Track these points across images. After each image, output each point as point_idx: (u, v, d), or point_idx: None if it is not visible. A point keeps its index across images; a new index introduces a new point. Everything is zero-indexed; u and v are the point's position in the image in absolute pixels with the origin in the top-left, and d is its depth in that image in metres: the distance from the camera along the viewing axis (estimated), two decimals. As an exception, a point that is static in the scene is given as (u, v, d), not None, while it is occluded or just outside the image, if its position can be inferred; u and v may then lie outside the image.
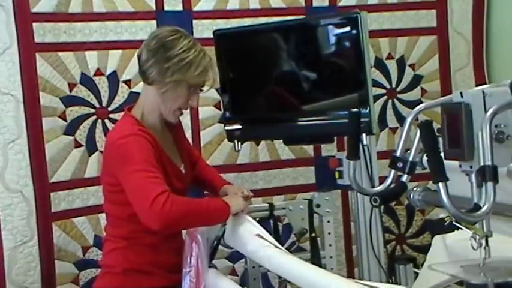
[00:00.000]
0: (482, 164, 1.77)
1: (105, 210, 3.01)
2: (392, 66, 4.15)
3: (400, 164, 2.05)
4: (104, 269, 2.97)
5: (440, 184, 1.80)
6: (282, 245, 3.41)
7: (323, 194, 3.38)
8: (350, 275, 3.94)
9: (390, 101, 4.14)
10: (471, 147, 1.83)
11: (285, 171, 3.98)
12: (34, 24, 3.53)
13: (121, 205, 2.76)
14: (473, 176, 1.83)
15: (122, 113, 3.64)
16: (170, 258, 2.91)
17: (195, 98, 2.83)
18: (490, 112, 1.78)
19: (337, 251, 3.74)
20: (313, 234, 3.31)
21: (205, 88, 2.88)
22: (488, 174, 1.76)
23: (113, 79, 3.73)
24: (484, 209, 1.76)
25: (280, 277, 3.65)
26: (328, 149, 3.90)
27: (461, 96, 1.88)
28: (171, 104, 2.81)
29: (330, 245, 3.37)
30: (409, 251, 4.15)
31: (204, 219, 2.74)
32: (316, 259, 3.16)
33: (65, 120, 3.63)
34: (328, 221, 3.34)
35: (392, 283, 3.14)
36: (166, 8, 3.79)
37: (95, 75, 3.70)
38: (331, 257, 3.40)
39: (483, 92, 1.84)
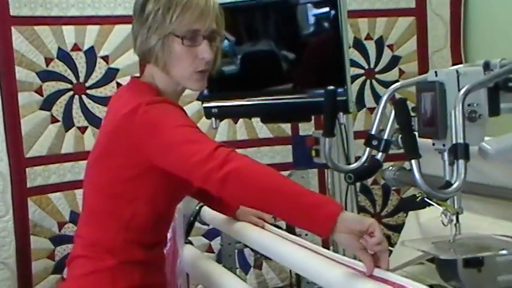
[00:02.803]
0: (454, 142, 1.79)
1: (88, 207, 2.34)
2: (370, 46, 4.20)
3: (374, 142, 2.07)
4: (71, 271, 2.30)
5: (413, 161, 1.83)
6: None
7: (299, 172, 3.43)
8: (325, 254, 3.99)
9: (368, 81, 4.20)
10: (444, 126, 1.85)
11: (262, 150, 4.02)
12: (9, -3, 3.55)
13: (124, 200, 2.19)
14: (445, 154, 1.85)
15: (99, 89, 3.73)
16: (159, 277, 2.39)
17: (203, 49, 2.20)
18: (462, 91, 1.80)
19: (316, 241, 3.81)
20: None
21: (202, 29, 2.20)
22: (459, 152, 1.78)
23: (91, 54, 3.74)
24: (455, 185, 1.78)
25: (256, 253, 3.72)
26: (306, 128, 3.94)
27: (436, 75, 1.90)
28: (177, 69, 2.22)
29: (306, 235, 3.41)
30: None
31: (288, 205, 1.86)
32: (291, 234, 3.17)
33: (42, 95, 3.65)
34: None
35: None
36: None
37: (72, 50, 3.72)
38: (306, 234, 3.45)
39: (457, 72, 1.86)
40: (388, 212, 4.23)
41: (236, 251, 3.40)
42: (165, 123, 2.06)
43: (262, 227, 2.54)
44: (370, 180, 4.13)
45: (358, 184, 4.03)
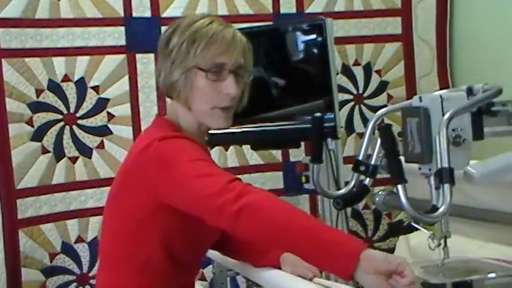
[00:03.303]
0: (439, 166, 1.79)
1: (102, 249, 2.28)
2: (359, 72, 4.21)
3: (362, 168, 2.07)
4: None
5: (399, 186, 1.82)
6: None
7: (290, 198, 3.44)
8: (317, 279, 3.98)
9: (357, 106, 4.19)
10: (429, 151, 1.84)
11: (253, 176, 3.99)
12: (0, 29, 3.56)
13: (137, 242, 2.10)
14: (431, 179, 1.84)
15: (90, 119, 3.72)
16: None
17: (228, 84, 2.11)
18: (446, 116, 1.80)
19: None
20: None
21: (228, 63, 2.11)
22: (445, 177, 1.77)
23: (81, 85, 3.74)
24: (441, 210, 1.78)
25: (248, 281, 3.71)
26: (296, 154, 3.93)
27: (420, 101, 1.90)
28: (197, 104, 2.13)
29: None
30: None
31: (307, 245, 1.73)
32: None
33: (32, 126, 3.64)
34: None
35: (359, 287, 3.20)
36: (134, 14, 3.81)
37: (62, 81, 3.72)
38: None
39: (441, 97, 1.86)
40: (380, 237, 4.22)
41: (228, 278, 3.40)
42: (177, 158, 1.97)
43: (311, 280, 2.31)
44: (361, 205, 4.11)
45: (349, 209, 4.05)
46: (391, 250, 3.85)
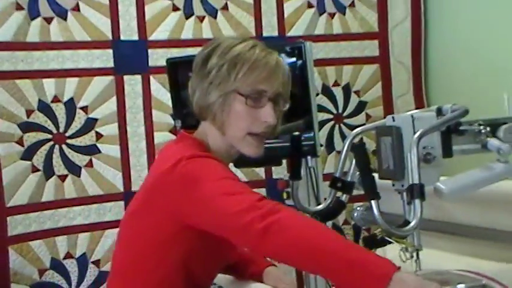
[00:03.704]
0: (410, 182, 1.81)
1: (116, 263, 2.22)
2: (338, 92, 4.23)
3: (339, 184, 2.10)
4: None
5: (373, 201, 1.85)
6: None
7: None
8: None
9: (337, 125, 4.22)
10: (402, 168, 1.86)
11: None
12: (-7, 52, 3.57)
13: (154, 262, 2.04)
14: (404, 194, 1.86)
15: (79, 138, 3.73)
16: None
17: (266, 111, 2.05)
18: (417, 135, 1.83)
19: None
20: None
21: (269, 91, 2.06)
22: (415, 192, 1.79)
23: (70, 105, 3.75)
24: (412, 224, 1.80)
25: None
26: (279, 172, 3.92)
27: (393, 120, 1.91)
28: (232, 129, 2.06)
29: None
30: None
31: (334, 266, 1.66)
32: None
33: (22, 146, 3.64)
34: None
35: None
36: (122, 37, 3.83)
37: (52, 101, 3.72)
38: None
39: (412, 117, 1.88)
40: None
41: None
42: (203, 176, 1.91)
43: None
44: (341, 220, 4.12)
45: (330, 224, 4.06)
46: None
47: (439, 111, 1.95)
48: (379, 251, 3.10)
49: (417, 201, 1.81)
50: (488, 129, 1.94)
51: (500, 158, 1.89)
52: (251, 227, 1.72)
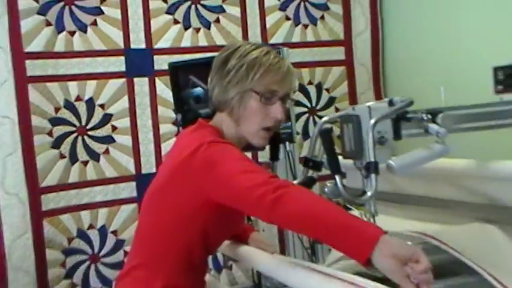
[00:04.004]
0: (367, 160, 1.82)
1: (142, 233, 2.14)
2: (312, 90, 4.23)
3: (310, 163, 2.08)
4: None
5: (337, 176, 1.86)
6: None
7: None
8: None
9: (311, 117, 4.23)
10: (361, 149, 1.87)
11: None
12: (27, 61, 3.56)
13: (179, 232, 2.01)
14: (362, 170, 1.86)
15: (98, 130, 3.73)
16: None
17: (277, 109, 2.03)
18: (372, 121, 1.83)
19: (272, 235, 3.83)
20: (250, 222, 3.36)
21: (280, 92, 2.04)
22: (371, 168, 1.81)
23: (90, 103, 3.75)
24: (368, 194, 1.82)
25: (224, 256, 3.71)
26: (264, 156, 3.84)
27: (353, 110, 1.93)
28: (247, 124, 2.05)
29: (263, 230, 3.43)
30: None
31: (330, 233, 1.63)
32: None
33: (52, 137, 3.65)
34: None
35: (313, 261, 3.22)
36: (132, 46, 3.82)
37: (75, 100, 3.72)
38: (263, 230, 3.47)
39: (369, 107, 1.89)
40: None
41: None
42: (224, 159, 1.87)
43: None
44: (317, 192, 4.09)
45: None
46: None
47: (391, 103, 1.91)
48: None
49: (373, 176, 1.82)
50: (429, 116, 1.94)
51: (439, 140, 1.90)
52: (263, 199, 1.70)
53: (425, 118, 1.94)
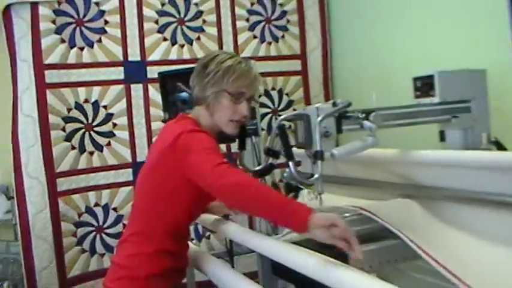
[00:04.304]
0: (315, 150, 1.86)
1: (138, 205, 2.17)
2: (275, 94, 4.23)
3: (270, 153, 2.11)
4: (124, 270, 2.10)
5: (290, 162, 1.91)
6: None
7: None
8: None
9: (274, 116, 4.19)
10: (310, 141, 1.91)
11: None
12: (46, 71, 3.57)
13: (168, 204, 2.06)
14: (311, 158, 1.89)
15: (101, 127, 3.72)
16: (184, 261, 2.26)
17: (243, 107, 2.11)
18: (319, 119, 1.88)
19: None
20: None
21: (247, 93, 2.12)
22: (318, 156, 1.85)
23: (96, 105, 3.74)
24: (316, 176, 1.86)
25: (204, 228, 3.72)
26: (234, 146, 3.87)
27: (304, 110, 1.96)
28: (220, 117, 2.11)
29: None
30: None
31: (269, 209, 1.71)
32: (225, 217, 3.14)
33: (65, 132, 3.65)
34: None
35: (274, 233, 3.22)
36: (129, 59, 3.80)
37: (84, 102, 3.71)
38: (235, 214, 3.44)
39: (316, 108, 1.92)
40: (291, 199, 4.14)
41: (192, 226, 3.44)
42: (195, 146, 1.92)
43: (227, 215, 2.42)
44: (277, 179, 4.06)
45: (270, 181, 4.07)
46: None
47: (334, 104, 1.94)
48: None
49: (319, 162, 1.86)
50: (363, 115, 1.97)
51: (371, 134, 1.94)
52: (214, 179, 1.78)
53: (360, 116, 1.97)
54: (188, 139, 1.95)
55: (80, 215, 3.71)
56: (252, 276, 2.08)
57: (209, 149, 1.91)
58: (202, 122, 2.13)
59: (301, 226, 1.64)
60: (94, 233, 3.76)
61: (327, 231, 1.59)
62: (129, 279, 2.06)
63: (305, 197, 1.97)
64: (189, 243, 2.46)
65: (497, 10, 2.57)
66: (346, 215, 2.00)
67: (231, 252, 3.41)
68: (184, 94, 3.20)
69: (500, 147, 2.25)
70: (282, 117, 2.07)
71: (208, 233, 3.98)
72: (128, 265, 2.09)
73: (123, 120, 3.81)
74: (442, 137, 2.32)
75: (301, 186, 1.98)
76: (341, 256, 1.86)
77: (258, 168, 2.20)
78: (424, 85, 2.27)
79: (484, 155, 1.80)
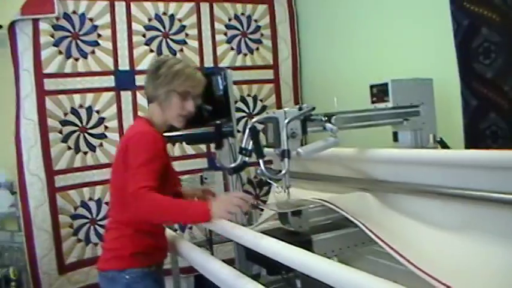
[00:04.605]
0: (283, 148, 1.89)
1: (111, 197, 2.28)
2: (250, 100, 4.23)
3: (244, 151, 2.07)
4: (111, 252, 2.19)
5: (260, 160, 1.92)
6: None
7: (207, 172, 3.49)
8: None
9: (249, 120, 4.04)
10: (278, 140, 1.92)
11: (190, 161, 3.97)
12: (45, 79, 3.55)
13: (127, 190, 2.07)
14: (279, 156, 1.92)
15: (94, 129, 3.70)
16: (163, 240, 2.33)
17: (189, 104, 2.19)
18: (286, 121, 1.90)
19: None
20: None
21: (193, 93, 2.21)
22: (285, 154, 1.88)
23: (89, 110, 3.72)
24: (283, 172, 1.88)
25: None
26: (213, 146, 3.87)
27: (274, 113, 1.98)
28: (169, 112, 2.19)
29: (213, 195, 3.44)
30: (260, 204, 3.95)
31: (178, 217, 2.08)
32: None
33: (62, 134, 3.62)
34: (212, 187, 3.41)
35: (249, 223, 3.24)
36: (120, 68, 3.78)
37: (78, 107, 3.69)
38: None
39: (284, 111, 1.95)
40: (264, 194, 4.17)
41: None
42: (135, 156, 2.01)
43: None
44: (252, 175, 4.13)
45: (245, 178, 4.09)
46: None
47: (300, 109, 1.97)
48: (271, 191, 3.10)
49: (286, 160, 1.89)
50: (326, 118, 2.00)
51: (332, 134, 1.96)
52: (133, 199, 1.93)
53: (323, 119, 2.00)
54: (136, 140, 2.06)
55: (75, 209, 3.68)
56: (230, 262, 2.08)
57: (142, 165, 1.98)
58: (155, 119, 2.21)
59: (206, 217, 1.93)
60: (88, 225, 3.73)
61: (224, 209, 1.92)
62: (116, 259, 2.15)
63: (274, 190, 1.97)
64: (173, 232, 2.49)
65: (444, 26, 2.61)
66: (311, 206, 2.02)
67: (210, 241, 3.41)
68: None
69: (444, 146, 2.29)
70: (254, 119, 2.09)
71: (190, 225, 3.96)
72: (114, 247, 2.18)
73: (114, 124, 3.78)
74: (395, 137, 2.35)
75: (271, 182, 1.98)
76: (306, 242, 1.90)
77: (233, 165, 2.20)
78: (380, 92, 2.30)
79: (430, 153, 1.83)
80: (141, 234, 2.16)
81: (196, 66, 3.93)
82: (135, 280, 2.13)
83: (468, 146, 2.48)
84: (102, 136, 3.77)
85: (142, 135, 2.08)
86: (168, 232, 2.58)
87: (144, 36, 3.91)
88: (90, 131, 3.72)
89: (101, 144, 3.76)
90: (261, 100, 4.28)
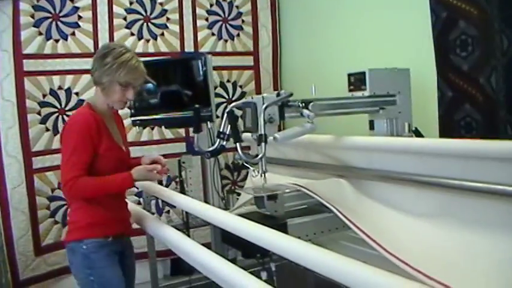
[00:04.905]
0: (260, 133, 1.88)
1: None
2: (229, 86, 4.23)
3: (221, 135, 2.08)
4: (70, 225, 2.33)
5: (237, 144, 1.92)
6: (167, 186, 3.49)
7: (186, 156, 3.49)
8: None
9: (227, 105, 4.12)
10: (256, 125, 1.92)
11: (168, 145, 3.98)
12: (24, 60, 3.51)
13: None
14: (256, 140, 1.91)
15: (73, 111, 3.64)
16: (121, 213, 2.43)
17: (130, 93, 2.28)
18: (264, 106, 1.90)
19: (196, 189, 3.80)
20: (181, 178, 3.39)
21: (134, 84, 2.29)
22: (262, 139, 1.87)
23: (68, 92, 3.69)
24: (259, 156, 1.88)
25: (164, 203, 3.70)
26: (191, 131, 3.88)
27: (252, 99, 1.97)
28: (110, 98, 2.28)
29: (190, 184, 3.47)
30: (237, 188, 4.13)
31: (109, 189, 2.22)
32: (182, 193, 3.15)
33: (40, 115, 3.59)
34: (190, 171, 3.45)
35: (226, 207, 3.28)
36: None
37: (58, 89, 3.66)
38: (191, 190, 3.50)
39: (262, 97, 1.95)
40: (241, 179, 4.22)
41: (153, 201, 3.44)
42: (68, 142, 2.18)
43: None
44: (230, 160, 4.14)
45: (223, 163, 4.10)
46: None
47: (278, 94, 1.97)
48: (249, 176, 3.10)
49: (263, 144, 1.88)
50: (303, 104, 2.00)
51: (309, 121, 1.96)
52: (66, 190, 2.15)
53: (300, 105, 2.00)
54: (66, 133, 2.22)
55: (53, 190, 3.66)
56: (207, 246, 2.07)
57: (71, 154, 2.15)
58: (99, 103, 2.33)
59: (129, 181, 2.21)
60: (65, 207, 3.70)
61: (143, 174, 2.22)
62: (75, 230, 2.29)
63: (251, 175, 1.97)
64: (151, 215, 2.49)
65: (422, 18, 2.62)
66: (287, 191, 2.02)
67: (187, 224, 3.41)
68: (149, 85, 3.19)
69: (419, 135, 2.31)
70: (232, 104, 2.08)
71: (167, 208, 3.97)
72: (73, 220, 2.31)
73: (93, 106, 3.73)
74: (371, 125, 2.36)
75: (248, 165, 1.97)
76: (281, 226, 1.90)
77: (210, 149, 2.19)
78: (357, 80, 2.31)
79: (405, 141, 1.85)
80: (95, 206, 2.27)
81: (176, 51, 3.92)
82: (91, 250, 2.24)
83: (443, 136, 2.50)
84: (81, 118, 3.71)
85: (74, 123, 2.22)
86: (144, 213, 2.57)
87: (125, 19, 3.88)
88: (69, 113, 3.69)
89: (80, 127, 3.71)
90: (240, 86, 4.27)
